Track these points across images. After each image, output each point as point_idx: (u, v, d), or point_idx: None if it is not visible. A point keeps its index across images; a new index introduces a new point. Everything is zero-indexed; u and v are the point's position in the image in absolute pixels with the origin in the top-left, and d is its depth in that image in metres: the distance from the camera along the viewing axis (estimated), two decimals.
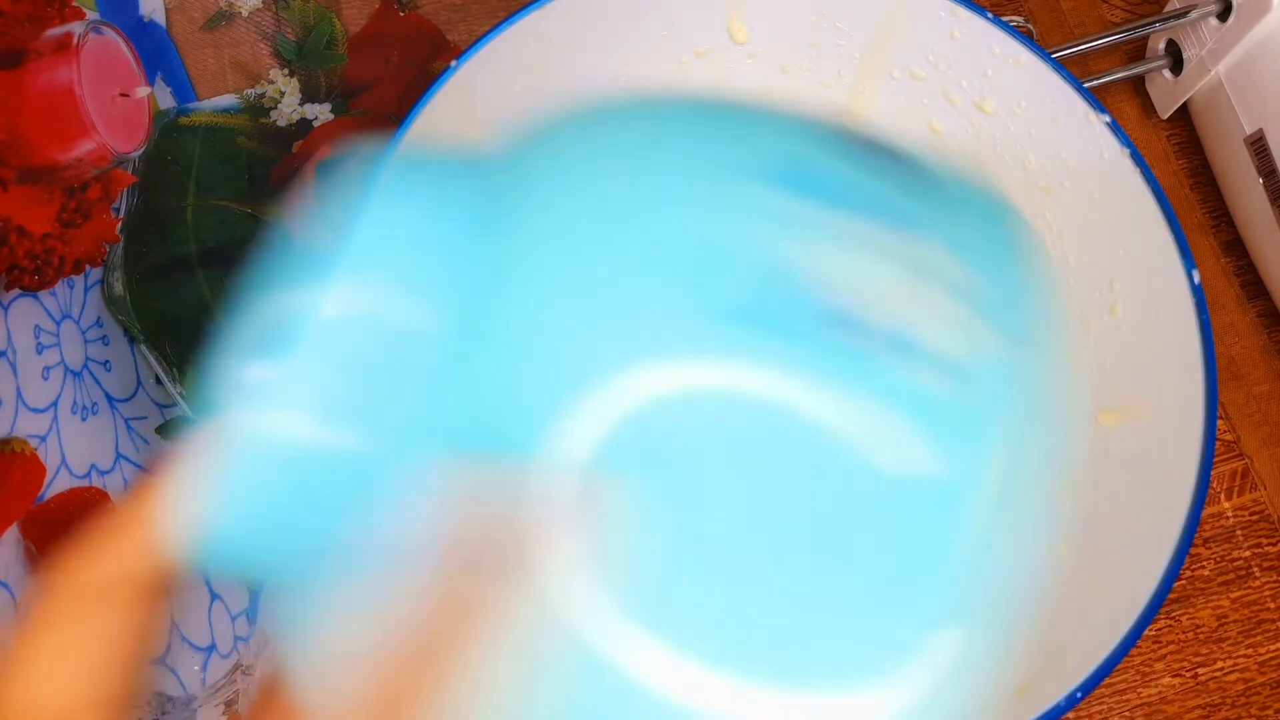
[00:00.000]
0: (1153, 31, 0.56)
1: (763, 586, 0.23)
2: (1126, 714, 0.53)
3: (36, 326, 0.55)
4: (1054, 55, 0.44)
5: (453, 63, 0.38)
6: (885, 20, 0.42)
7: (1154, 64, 0.58)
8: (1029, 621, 0.38)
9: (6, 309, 0.54)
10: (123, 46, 0.56)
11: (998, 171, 0.44)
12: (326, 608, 0.24)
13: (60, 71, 0.55)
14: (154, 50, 0.62)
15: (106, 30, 0.56)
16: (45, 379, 0.55)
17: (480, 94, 0.40)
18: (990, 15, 0.40)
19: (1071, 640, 0.36)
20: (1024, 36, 0.40)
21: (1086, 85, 0.42)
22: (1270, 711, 0.52)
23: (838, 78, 0.45)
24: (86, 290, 0.58)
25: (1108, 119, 0.39)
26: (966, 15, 0.40)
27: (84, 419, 0.56)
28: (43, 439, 0.54)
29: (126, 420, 0.57)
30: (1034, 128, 0.41)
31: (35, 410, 0.54)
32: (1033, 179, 0.42)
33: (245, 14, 0.63)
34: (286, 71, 0.62)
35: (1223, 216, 0.59)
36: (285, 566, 0.24)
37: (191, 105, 0.62)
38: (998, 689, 0.36)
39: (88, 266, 0.57)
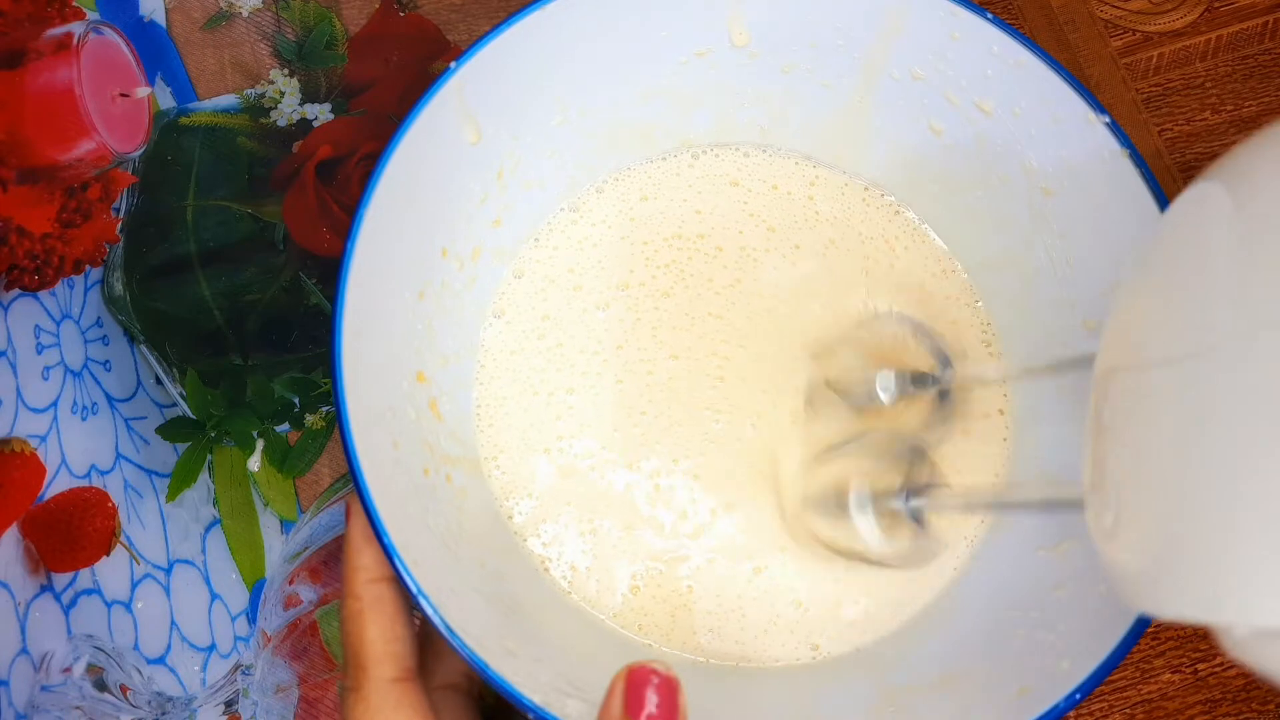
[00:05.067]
0: None
1: None
2: (1127, 711, 0.53)
3: (36, 326, 0.55)
4: None
5: (452, 63, 0.38)
6: (886, 21, 0.42)
7: None
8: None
9: (6, 309, 0.54)
10: (123, 46, 0.57)
11: (999, 172, 0.43)
12: None
13: (60, 71, 0.55)
14: (154, 50, 0.62)
15: (106, 30, 0.56)
16: (45, 379, 0.55)
17: (480, 94, 0.40)
18: (990, 16, 0.40)
19: (1070, 640, 0.36)
20: (1024, 37, 0.40)
21: None
22: (1271, 707, 0.52)
23: (839, 78, 0.45)
24: (86, 290, 0.58)
25: (1107, 119, 0.39)
26: (967, 16, 0.40)
27: (84, 419, 0.56)
28: (43, 439, 0.54)
29: (126, 420, 0.57)
30: (1034, 128, 0.41)
31: (35, 410, 0.54)
32: (1034, 180, 0.42)
33: (245, 14, 0.63)
34: (286, 71, 0.62)
35: None
36: None
37: (191, 105, 0.62)
38: None
39: (88, 266, 0.57)
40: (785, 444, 0.44)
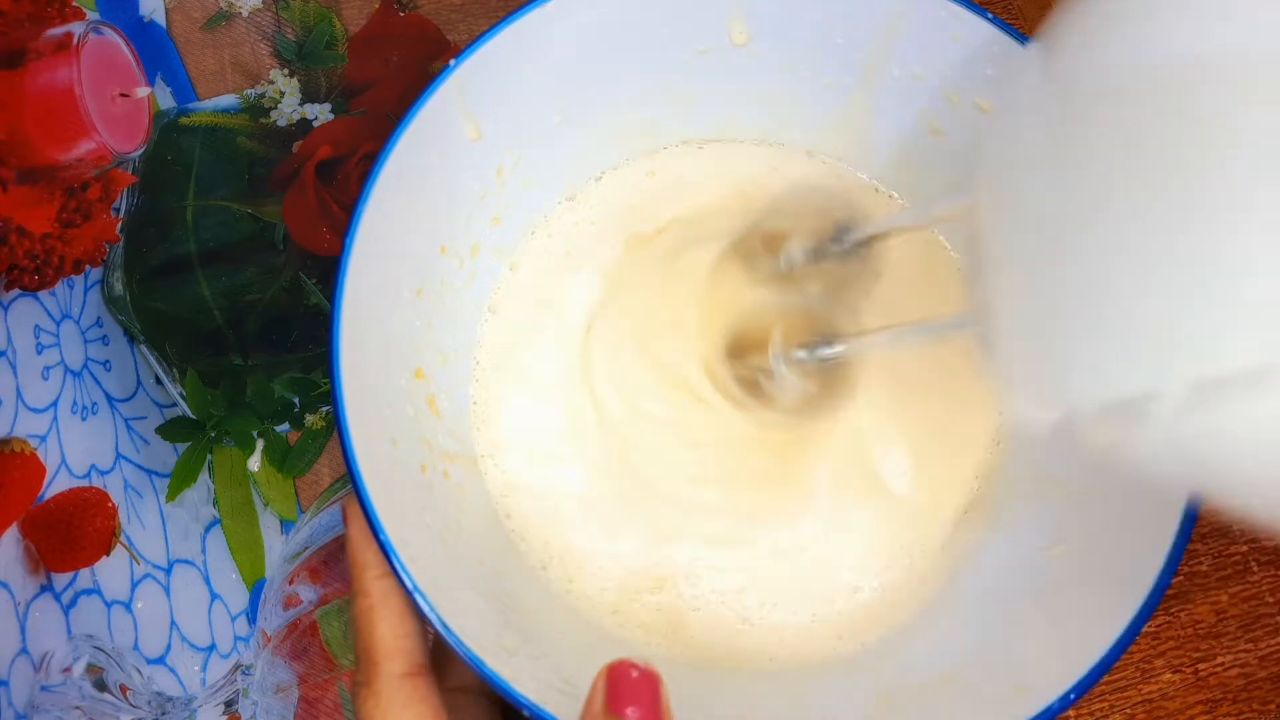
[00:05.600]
0: None
1: None
2: (1128, 711, 0.53)
3: (36, 326, 0.55)
4: None
5: (451, 61, 0.38)
6: (886, 21, 0.42)
7: None
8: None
9: (6, 309, 0.54)
10: (123, 46, 0.57)
11: None
12: None
13: (60, 71, 0.55)
14: (154, 50, 0.62)
15: (106, 30, 0.56)
16: (45, 379, 0.55)
17: (480, 92, 0.40)
18: (990, 16, 0.40)
19: (1066, 640, 0.36)
20: (1025, 38, 0.40)
21: None
22: (1271, 706, 0.52)
23: (838, 77, 0.45)
24: (86, 290, 0.58)
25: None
26: (967, 16, 0.40)
27: (84, 419, 0.56)
28: (43, 439, 0.54)
29: (126, 420, 0.57)
30: None
31: (35, 410, 0.54)
32: None
33: (245, 14, 0.63)
34: (286, 71, 0.62)
35: None
36: None
37: (191, 105, 0.62)
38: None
39: (88, 266, 0.57)
40: (714, 301, 0.45)
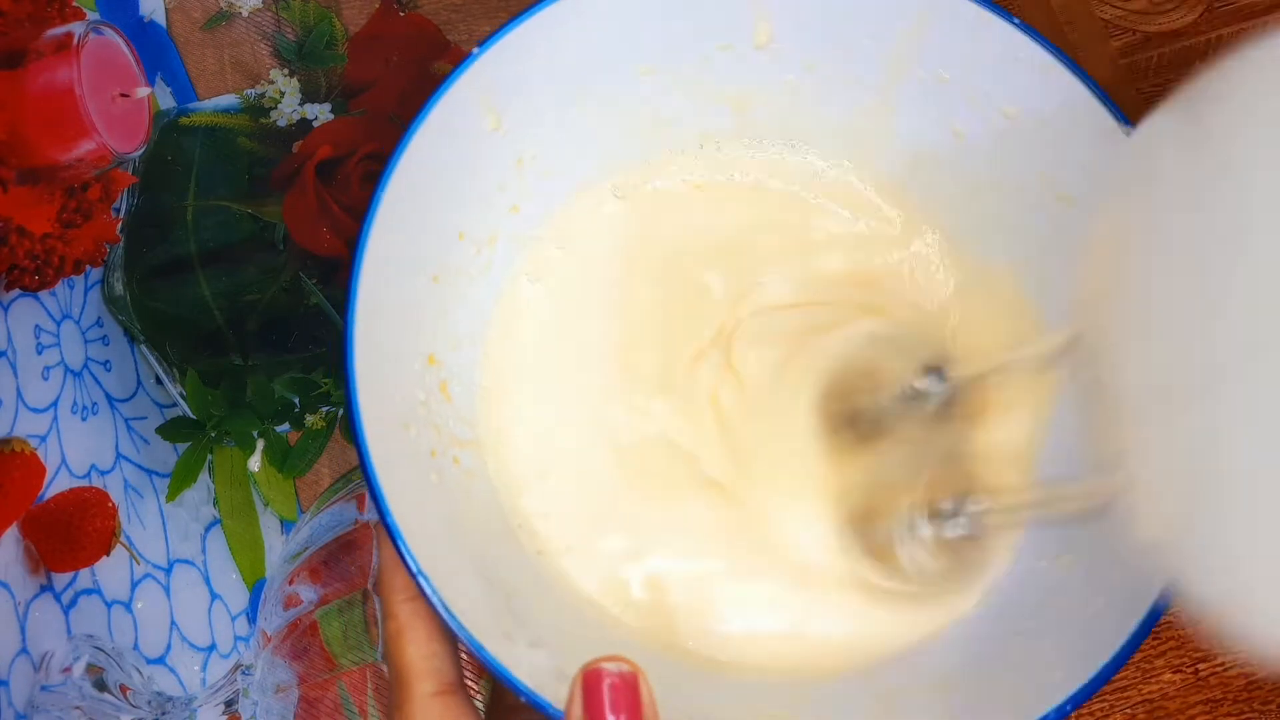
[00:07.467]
0: None
1: None
2: (1128, 711, 0.53)
3: (36, 326, 0.55)
4: None
5: (475, 49, 0.38)
6: (912, 22, 0.42)
7: None
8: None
9: (6, 309, 0.54)
10: (123, 46, 0.56)
11: (1020, 178, 0.43)
12: None
13: (60, 71, 0.54)
14: (154, 50, 0.62)
15: (106, 30, 0.56)
16: (45, 379, 0.55)
17: (500, 82, 0.40)
18: (1017, 20, 0.40)
19: (1065, 652, 0.36)
20: (1050, 43, 0.40)
21: None
22: (1272, 707, 0.52)
23: (861, 77, 0.45)
24: (86, 290, 0.58)
25: (1130, 129, 0.39)
26: (993, 19, 0.40)
27: (84, 419, 0.55)
28: (43, 439, 0.54)
29: (126, 420, 0.57)
30: (1056, 134, 0.41)
31: (35, 410, 0.54)
32: (1055, 187, 0.42)
33: (245, 14, 0.63)
34: (286, 71, 0.62)
35: None
36: None
37: (191, 105, 0.62)
38: None
39: (88, 266, 0.57)
40: (803, 479, 0.42)
